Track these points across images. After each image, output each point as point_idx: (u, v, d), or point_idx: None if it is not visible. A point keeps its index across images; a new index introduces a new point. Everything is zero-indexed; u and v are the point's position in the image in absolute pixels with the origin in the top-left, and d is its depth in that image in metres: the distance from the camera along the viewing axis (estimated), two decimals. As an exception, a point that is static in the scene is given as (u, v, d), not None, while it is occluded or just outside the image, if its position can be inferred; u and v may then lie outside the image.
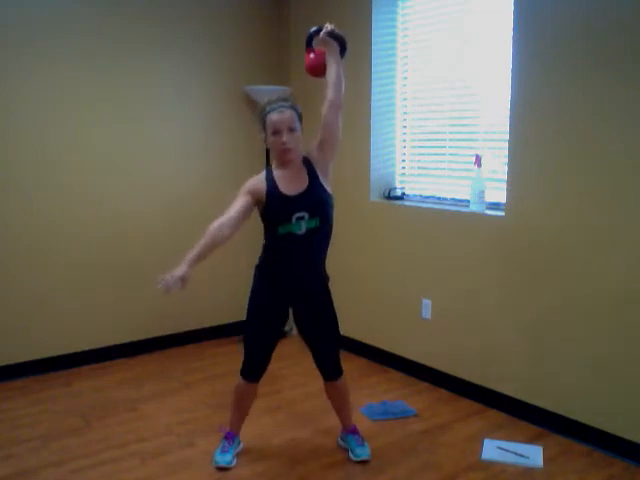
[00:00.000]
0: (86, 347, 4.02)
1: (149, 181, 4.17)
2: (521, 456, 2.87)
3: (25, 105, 3.66)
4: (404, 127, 4.03)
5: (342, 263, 4.21)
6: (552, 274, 3.08)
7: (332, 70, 2.61)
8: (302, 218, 2.54)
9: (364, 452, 2.86)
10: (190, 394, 3.61)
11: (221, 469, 2.76)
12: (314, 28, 2.68)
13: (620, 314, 2.84)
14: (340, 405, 2.93)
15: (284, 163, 2.59)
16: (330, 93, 2.61)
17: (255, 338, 2.77)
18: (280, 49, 4.60)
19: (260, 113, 2.59)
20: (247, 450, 2.94)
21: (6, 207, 3.67)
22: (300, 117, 2.59)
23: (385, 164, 4.05)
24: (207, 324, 4.53)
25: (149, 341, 4.26)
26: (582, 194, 2.93)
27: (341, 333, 2.86)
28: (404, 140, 4.04)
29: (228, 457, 2.80)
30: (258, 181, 2.62)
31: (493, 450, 2.93)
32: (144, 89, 4.07)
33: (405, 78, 3.97)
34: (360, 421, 3.16)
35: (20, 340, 3.78)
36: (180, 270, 2.37)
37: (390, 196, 3.98)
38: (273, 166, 2.66)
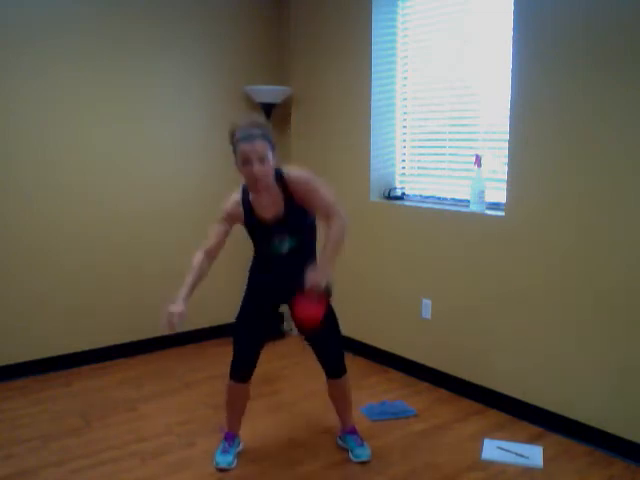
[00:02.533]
0: (86, 347, 4.02)
1: (149, 181, 4.17)
2: (521, 456, 2.87)
3: (25, 105, 3.66)
4: (404, 127, 4.03)
5: (342, 263, 4.20)
6: (552, 274, 3.08)
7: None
8: (283, 239, 2.60)
9: (364, 453, 2.85)
10: (190, 394, 3.61)
11: (221, 470, 2.76)
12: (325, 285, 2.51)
13: (620, 314, 2.84)
14: (341, 404, 2.93)
15: (255, 192, 2.55)
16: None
17: (242, 338, 2.80)
18: (280, 49, 4.60)
19: (231, 139, 2.54)
20: (247, 450, 2.95)
21: (6, 207, 3.67)
22: (273, 146, 2.51)
23: (385, 164, 4.05)
24: (207, 324, 4.53)
25: (149, 341, 4.26)
26: (582, 194, 2.93)
27: (341, 333, 2.86)
28: (404, 140, 4.04)
29: (229, 458, 2.80)
30: (234, 205, 2.63)
31: (493, 450, 2.93)
32: (144, 89, 4.07)
33: (405, 78, 3.97)
34: (360, 421, 3.16)
35: (20, 340, 3.78)
36: (178, 307, 2.50)
37: (390, 196, 3.98)
38: (246, 189, 2.63)
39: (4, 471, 2.75)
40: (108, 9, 3.86)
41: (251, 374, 2.82)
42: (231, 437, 2.88)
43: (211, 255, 2.65)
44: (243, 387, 2.83)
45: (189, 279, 2.59)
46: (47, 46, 3.68)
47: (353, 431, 2.94)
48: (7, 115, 3.61)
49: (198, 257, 2.63)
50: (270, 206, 2.58)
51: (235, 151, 2.51)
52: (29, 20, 3.61)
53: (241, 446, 2.94)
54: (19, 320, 3.77)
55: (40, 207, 3.77)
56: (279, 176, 2.56)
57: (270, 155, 2.49)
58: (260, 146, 2.45)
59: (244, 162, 2.48)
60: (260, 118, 2.64)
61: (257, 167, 2.45)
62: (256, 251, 2.75)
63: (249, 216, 2.62)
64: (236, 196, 2.65)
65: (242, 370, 2.80)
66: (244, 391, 2.86)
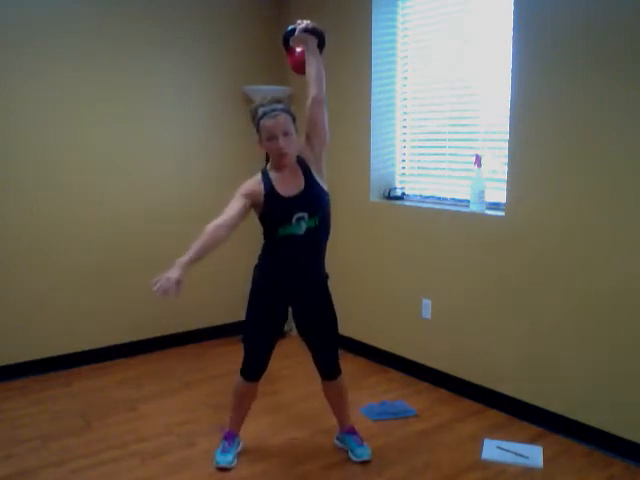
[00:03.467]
0: (86, 347, 4.03)
1: (149, 181, 4.17)
2: (521, 456, 2.87)
3: (25, 105, 3.66)
4: (404, 127, 4.03)
5: (342, 263, 4.21)
6: (552, 274, 3.08)
7: (312, 66, 2.60)
8: (302, 218, 2.54)
9: (365, 452, 2.85)
10: (190, 394, 3.61)
11: (221, 469, 2.76)
12: (289, 27, 2.68)
13: (620, 314, 2.84)
14: (338, 405, 2.92)
15: (281, 167, 2.57)
16: (312, 89, 2.58)
17: (255, 338, 2.77)
18: (280, 49, 4.58)
19: (253, 117, 2.54)
20: (247, 450, 2.95)
21: (6, 207, 3.67)
22: (294, 119, 2.56)
23: (385, 164, 4.05)
24: (207, 324, 4.53)
25: (149, 341, 4.27)
26: (582, 194, 2.93)
27: (341, 333, 2.86)
28: (404, 140, 4.04)
29: (229, 457, 2.80)
30: (255, 183, 2.60)
31: (493, 450, 2.93)
32: (144, 89, 4.07)
33: (405, 78, 3.97)
34: (360, 421, 3.16)
35: (20, 340, 3.78)
36: (175, 273, 2.26)
37: (390, 196, 3.98)
38: (268, 167, 2.64)
39: (4, 471, 2.75)
40: (108, 9, 3.86)
41: (262, 373, 2.81)
42: (231, 437, 2.88)
43: (226, 226, 2.42)
44: (253, 386, 2.83)
45: (196, 245, 2.36)
46: (47, 46, 3.68)
47: (352, 431, 2.94)
48: (7, 115, 3.61)
49: (209, 226, 2.41)
50: (291, 182, 2.57)
51: (258, 129, 2.53)
52: (29, 20, 3.61)
53: (241, 446, 2.94)
54: (19, 320, 3.77)
55: (40, 207, 3.77)
56: (297, 157, 2.60)
57: (293, 129, 2.52)
58: (283, 120, 2.49)
59: (269, 138, 2.50)
60: (279, 95, 2.65)
61: (282, 141, 2.48)
62: (270, 239, 2.61)
63: (270, 193, 2.55)
64: (257, 176, 2.63)
65: (254, 370, 2.79)
66: (253, 390, 2.85)
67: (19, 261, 3.74)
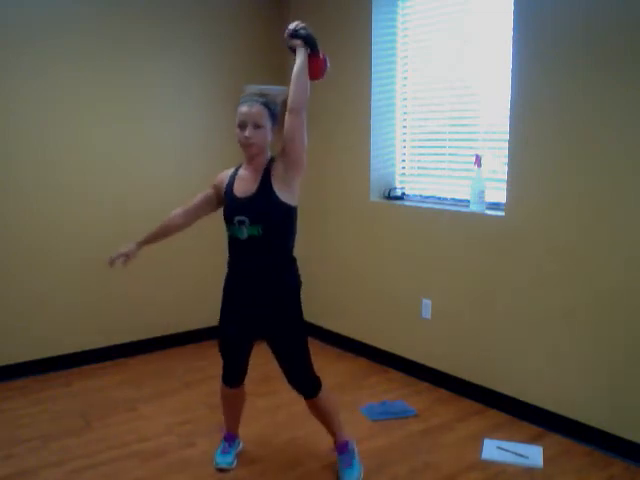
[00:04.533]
0: (86, 347, 4.02)
1: (149, 181, 4.17)
2: (521, 456, 2.87)
3: (25, 105, 3.65)
4: (404, 127, 4.03)
5: (342, 263, 4.21)
6: (552, 274, 3.08)
7: (294, 70, 2.42)
8: (243, 223, 2.42)
9: (351, 476, 2.63)
10: (190, 394, 3.61)
11: (221, 470, 2.76)
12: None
13: (620, 314, 2.84)
14: (324, 423, 2.73)
15: (248, 160, 2.50)
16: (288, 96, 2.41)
17: (221, 343, 2.70)
18: (280, 49, 4.59)
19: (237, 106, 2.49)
20: (247, 450, 2.95)
21: (6, 207, 3.67)
22: (273, 115, 2.45)
23: (385, 164, 4.05)
24: (206, 324, 4.53)
25: (149, 341, 4.26)
26: (582, 194, 2.93)
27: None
28: (404, 140, 4.04)
29: (229, 458, 2.80)
30: (224, 175, 2.62)
31: (493, 450, 2.93)
32: (144, 89, 4.07)
33: (405, 78, 3.97)
34: (360, 421, 3.16)
35: (20, 340, 3.78)
36: (126, 247, 2.64)
37: (390, 196, 3.98)
38: (244, 163, 2.58)
39: (4, 471, 2.75)
40: (108, 9, 3.86)
41: (241, 379, 2.75)
42: (231, 438, 2.88)
43: (182, 213, 2.68)
44: (235, 391, 2.77)
45: (154, 229, 2.69)
46: (47, 46, 3.68)
47: (342, 449, 2.72)
48: (7, 115, 3.61)
49: (172, 213, 2.68)
50: (249, 183, 2.47)
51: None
52: (29, 20, 3.61)
53: (241, 446, 2.94)
54: (19, 320, 3.77)
55: (40, 207, 3.77)
56: (271, 158, 2.49)
57: (267, 124, 2.43)
58: (257, 111, 2.42)
59: (239, 124, 2.44)
60: (275, 88, 2.54)
61: (249, 131, 2.40)
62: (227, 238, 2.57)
63: (228, 188, 2.54)
64: (231, 169, 2.63)
65: (229, 375, 2.73)
66: (236, 394, 2.80)
67: (19, 261, 3.74)
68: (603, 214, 2.86)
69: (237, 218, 2.44)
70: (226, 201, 2.54)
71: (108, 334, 4.10)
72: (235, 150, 4.48)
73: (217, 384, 3.73)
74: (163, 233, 2.70)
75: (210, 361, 4.14)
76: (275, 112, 2.47)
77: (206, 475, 2.74)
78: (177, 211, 2.69)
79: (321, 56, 2.48)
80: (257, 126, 2.41)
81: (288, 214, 2.47)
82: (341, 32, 4.09)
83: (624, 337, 2.84)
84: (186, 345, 4.42)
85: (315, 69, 2.47)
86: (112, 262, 2.64)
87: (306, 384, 2.61)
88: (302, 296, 2.58)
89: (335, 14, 4.14)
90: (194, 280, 4.42)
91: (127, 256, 2.64)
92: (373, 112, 3.96)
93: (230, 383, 2.74)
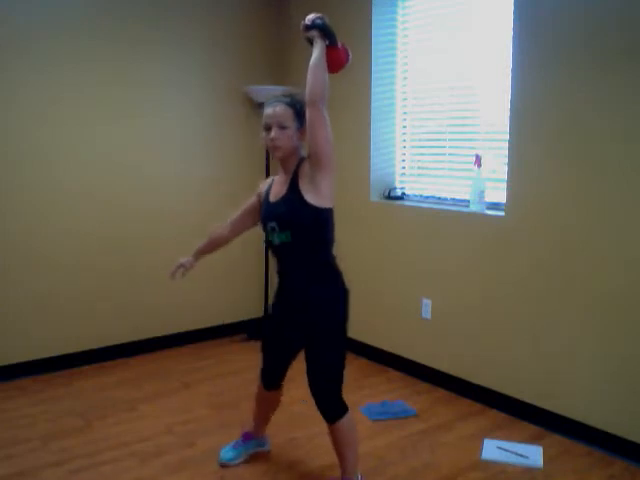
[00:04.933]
0: (86, 347, 4.02)
1: (149, 181, 4.16)
2: (521, 456, 2.87)
3: (25, 105, 3.65)
4: (404, 127, 4.03)
5: (342, 263, 4.21)
6: (552, 274, 3.08)
7: (310, 62, 2.28)
8: (274, 229, 2.37)
9: None
10: (190, 394, 3.61)
11: (222, 465, 2.77)
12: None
13: (620, 314, 2.84)
14: (337, 453, 2.51)
15: (280, 164, 2.41)
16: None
17: (265, 350, 2.68)
18: (280, 49, 4.60)
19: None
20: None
21: (6, 207, 3.67)
22: (300, 114, 2.32)
23: (385, 164, 4.05)
24: (207, 324, 4.53)
25: (149, 341, 4.26)
26: (582, 194, 2.93)
27: (337, 367, 2.45)
28: (404, 140, 4.04)
29: (233, 454, 2.80)
30: (267, 182, 2.57)
31: (493, 450, 2.93)
32: (144, 89, 4.07)
33: (405, 78, 3.97)
34: (360, 421, 3.16)
35: (20, 340, 3.78)
36: (185, 259, 2.72)
37: (390, 196, 3.98)
38: None
39: (4, 471, 2.74)
40: (109, 9, 3.86)
41: (277, 383, 2.70)
42: (247, 436, 2.85)
43: (227, 224, 2.67)
44: (268, 394, 2.72)
45: (201, 243, 2.75)
46: (47, 46, 3.68)
47: None
48: (7, 115, 3.61)
49: (219, 225, 2.70)
50: (279, 186, 2.41)
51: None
52: (29, 20, 3.61)
53: (265, 448, 2.89)
54: (19, 320, 3.76)
55: (40, 207, 3.77)
56: (301, 159, 2.38)
57: (293, 124, 2.32)
58: (281, 111, 2.31)
59: (265, 127, 2.35)
60: (302, 90, 2.34)
61: (274, 132, 2.30)
62: None
63: (265, 193, 2.48)
64: (272, 177, 2.56)
65: (265, 376, 2.70)
66: (269, 398, 2.75)
67: (19, 261, 3.73)
68: (603, 214, 2.86)
69: (269, 224, 2.39)
70: (262, 207, 2.49)
71: (108, 334, 4.10)
72: (235, 150, 4.53)
73: (217, 384, 3.76)
74: (209, 246, 2.75)
75: (210, 361, 4.15)
76: (301, 111, 2.32)
77: (206, 475, 2.73)
78: (223, 224, 2.69)
79: (340, 47, 2.37)
80: (282, 127, 2.31)
81: (318, 218, 2.33)
82: (341, 32, 4.05)
83: (624, 337, 2.84)
84: (186, 345, 4.42)
85: (334, 61, 2.35)
86: (173, 274, 2.70)
87: (328, 404, 2.43)
88: (342, 313, 2.45)
89: (335, 14, 4.11)
90: (194, 280, 4.40)
91: (185, 267, 2.71)
92: (373, 112, 3.96)
93: (265, 384, 2.71)
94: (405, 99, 4.00)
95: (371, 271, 4.07)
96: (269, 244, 2.47)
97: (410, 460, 2.86)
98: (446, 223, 3.57)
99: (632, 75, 2.70)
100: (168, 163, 4.24)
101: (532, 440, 3.04)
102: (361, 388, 3.66)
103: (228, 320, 4.57)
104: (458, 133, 3.69)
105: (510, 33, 3.14)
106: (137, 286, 4.16)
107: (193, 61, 4.27)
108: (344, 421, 2.43)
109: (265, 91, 4.31)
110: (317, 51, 2.28)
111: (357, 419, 3.12)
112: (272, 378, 2.70)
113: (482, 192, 3.41)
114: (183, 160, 4.32)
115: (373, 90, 3.95)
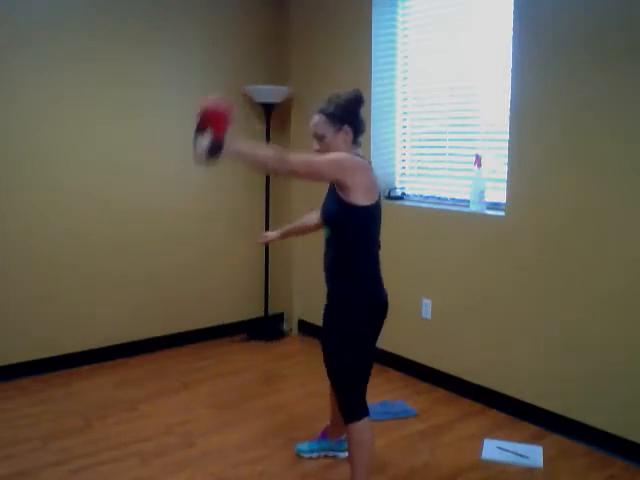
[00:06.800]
0: (86, 347, 4.02)
1: (149, 181, 4.16)
2: (521, 456, 2.87)
3: (25, 105, 3.65)
4: (404, 127, 4.03)
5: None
6: (552, 274, 3.08)
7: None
8: (323, 223, 2.45)
9: None
10: (190, 394, 3.61)
11: (297, 455, 2.83)
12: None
13: (620, 314, 2.84)
14: (349, 461, 2.46)
15: None
16: None
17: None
18: (280, 49, 4.60)
19: None
20: (247, 450, 2.94)
21: (6, 207, 3.67)
22: (331, 116, 2.32)
23: (385, 164, 4.05)
24: (207, 324, 4.53)
25: (149, 341, 4.26)
26: (582, 194, 2.93)
27: (350, 372, 2.41)
28: (404, 140, 4.04)
29: (304, 446, 2.87)
30: None
31: (493, 450, 2.93)
32: (144, 89, 4.07)
33: (405, 78, 3.97)
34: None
35: (20, 340, 3.78)
36: (271, 232, 2.88)
37: (390, 196, 3.98)
38: None
39: (4, 471, 2.74)
40: (109, 9, 3.86)
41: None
42: (323, 433, 2.89)
43: (317, 213, 2.65)
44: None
45: (294, 223, 2.87)
46: (47, 46, 3.68)
47: None
48: (7, 115, 3.61)
49: (316, 210, 2.66)
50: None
51: None
52: (29, 20, 3.61)
53: (340, 455, 2.83)
54: (19, 320, 3.76)
55: (40, 207, 3.77)
56: None
57: (328, 130, 2.32)
58: (314, 122, 2.35)
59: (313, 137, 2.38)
60: (345, 93, 2.38)
61: (315, 144, 2.36)
62: None
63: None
64: None
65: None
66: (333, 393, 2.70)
67: (19, 261, 3.73)
68: (603, 214, 2.86)
69: (322, 218, 2.46)
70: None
71: (108, 334, 4.10)
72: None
73: (217, 384, 3.76)
74: (301, 229, 2.83)
75: (210, 361, 4.14)
76: (331, 113, 2.32)
77: (206, 475, 2.73)
78: (314, 209, 2.68)
79: (215, 134, 2.32)
80: (319, 137, 2.35)
81: (350, 214, 2.28)
82: (341, 32, 4.09)
83: (624, 337, 2.84)
84: (186, 345, 4.41)
85: (218, 131, 2.31)
86: (259, 241, 2.94)
87: (342, 406, 2.41)
88: (355, 316, 2.39)
89: (335, 14, 4.14)
90: (194, 281, 4.41)
91: (268, 239, 2.88)
92: (373, 112, 3.96)
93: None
94: (405, 99, 4.00)
95: (371, 271, 4.07)
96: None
97: (410, 460, 2.86)
98: (446, 223, 3.57)
99: (632, 75, 2.70)
100: (168, 163, 4.24)
101: (532, 440, 3.04)
102: (361, 388, 3.65)
103: (228, 320, 4.58)
104: (458, 133, 3.69)
105: (510, 33, 3.14)
106: (137, 286, 4.16)
107: (193, 61, 4.27)
108: (357, 426, 2.38)
109: (265, 91, 4.32)
110: (242, 151, 2.37)
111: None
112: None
113: (482, 192, 3.42)
114: (183, 160, 4.30)
115: (373, 90, 3.94)
